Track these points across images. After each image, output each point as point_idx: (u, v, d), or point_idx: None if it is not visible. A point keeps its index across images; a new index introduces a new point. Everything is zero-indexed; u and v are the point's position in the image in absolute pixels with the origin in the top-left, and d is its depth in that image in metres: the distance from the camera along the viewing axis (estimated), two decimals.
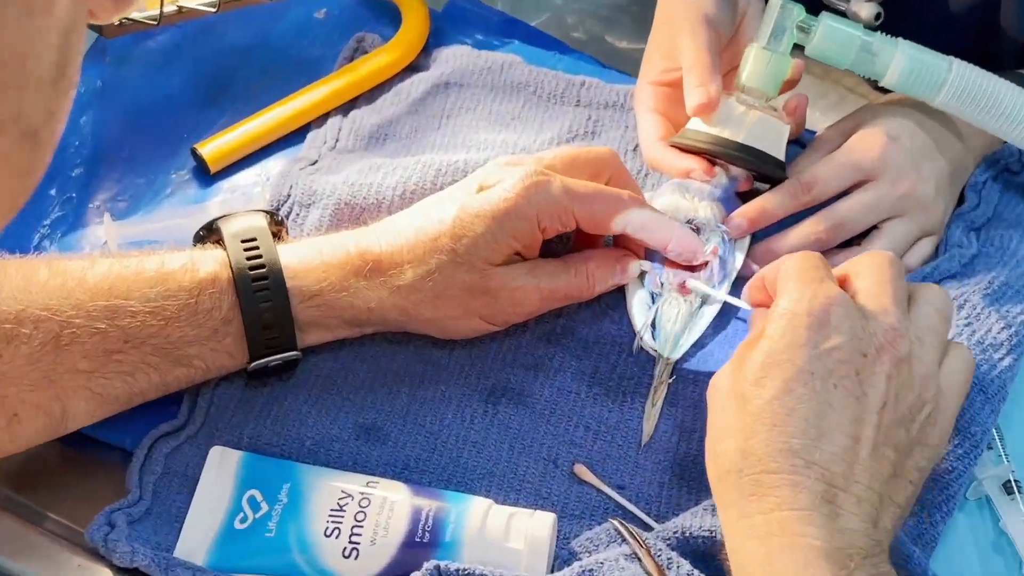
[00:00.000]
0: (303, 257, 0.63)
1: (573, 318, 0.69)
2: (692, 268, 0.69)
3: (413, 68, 0.85)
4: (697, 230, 0.70)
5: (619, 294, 0.70)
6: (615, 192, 0.65)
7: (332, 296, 0.62)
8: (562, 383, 0.67)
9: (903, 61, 0.67)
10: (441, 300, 0.63)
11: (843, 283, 0.57)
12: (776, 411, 0.52)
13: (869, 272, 0.57)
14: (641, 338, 0.68)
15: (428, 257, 0.62)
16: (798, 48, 0.70)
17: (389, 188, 0.73)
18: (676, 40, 0.72)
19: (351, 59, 0.84)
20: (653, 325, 0.68)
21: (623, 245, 0.69)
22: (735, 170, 0.72)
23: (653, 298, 0.69)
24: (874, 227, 0.70)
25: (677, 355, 0.68)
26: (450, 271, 0.62)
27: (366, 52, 0.84)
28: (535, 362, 0.68)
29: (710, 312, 0.69)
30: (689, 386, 0.67)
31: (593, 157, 0.67)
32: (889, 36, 0.68)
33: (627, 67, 0.85)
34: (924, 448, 0.54)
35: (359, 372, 0.67)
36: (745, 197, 0.72)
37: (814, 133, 0.77)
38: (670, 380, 0.67)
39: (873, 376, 0.53)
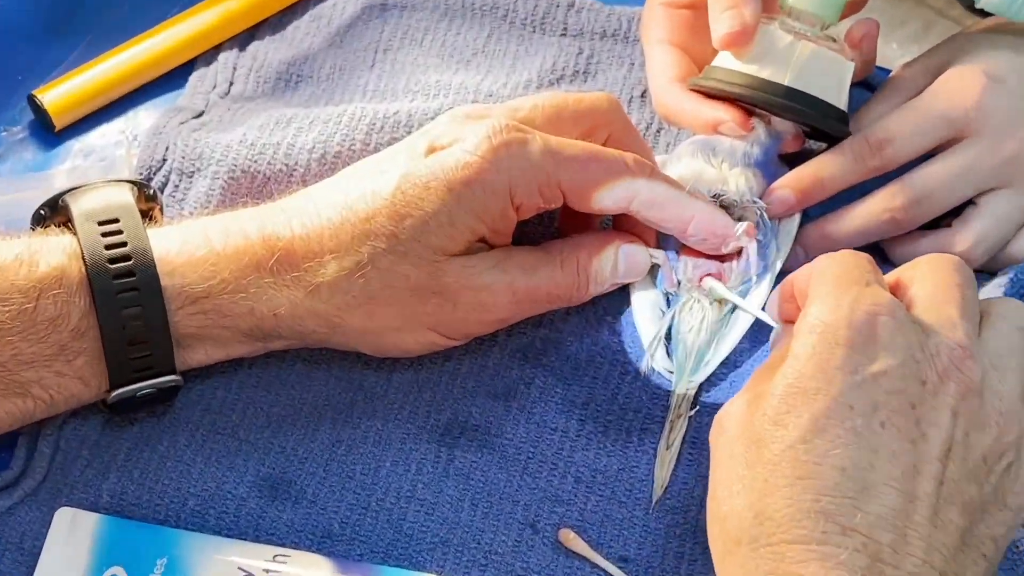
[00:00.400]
0: (185, 245, 0.62)
1: (558, 328, 0.70)
2: (720, 259, 0.70)
3: None
4: (726, 208, 0.70)
5: (622, 294, 0.70)
6: (615, 155, 0.65)
7: (225, 299, 0.62)
8: (543, 417, 0.67)
9: None
10: (377, 304, 0.63)
11: (895, 291, 0.57)
12: (802, 459, 0.52)
13: (929, 276, 0.57)
14: (652, 356, 0.68)
15: (358, 244, 0.62)
16: None
17: (304, 149, 0.73)
18: None
19: None
20: (668, 337, 0.68)
21: (627, 228, 0.69)
22: (779, 124, 0.73)
23: (668, 301, 0.70)
24: (969, 202, 0.71)
25: (701, 378, 0.68)
26: (389, 264, 0.62)
27: None
28: (506, 388, 0.68)
29: (745, 319, 0.69)
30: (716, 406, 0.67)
31: (586, 108, 0.67)
32: None
33: None
34: (1003, 511, 0.54)
35: (263, 404, 0.67)
36: (793, 162, 0.73)
37: (888, 73, 0.78)
38: (691, 413, 0.67)
39: (934, 412, 0.53)
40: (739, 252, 0.69)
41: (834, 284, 0.55)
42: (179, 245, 0.62)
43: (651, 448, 0.66)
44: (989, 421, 0.54)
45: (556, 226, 0.71)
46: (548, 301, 0.66)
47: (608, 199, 0.65)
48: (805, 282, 0.58)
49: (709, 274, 0.70)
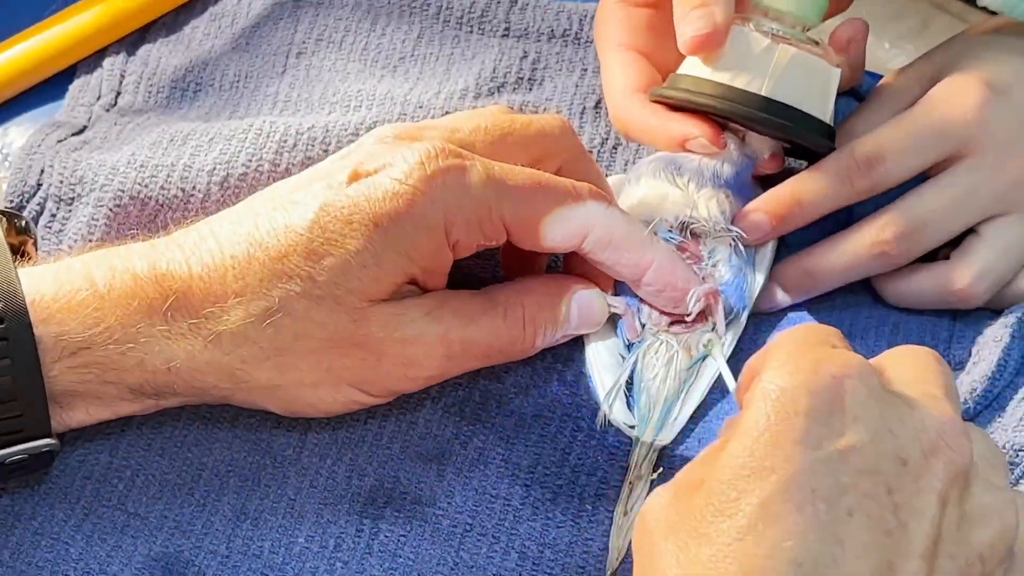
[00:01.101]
0: (62, 286, 0.62)
1: (500, 380, 0.70)
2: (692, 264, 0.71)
3: None
4: (696, 236, 0.71)
5: (575, 340, 0.71)
6: (567, 185, 0.66)
7: (110, 349, 0.62)
8: (482, 483, 0.67)
9: None
10: (289, 356, 0.63)
11: None
12: (750, 552, 0.49)
13: (907, 358, 0.56)
14: (610, 407, 0.68)
15: (268, 287, 0.62)
16: None
17: (203, 171, 0.73)
18: None
19: None
20: (629, 387, 0.69)
21: (580, 271, 0.70)
22: (755, 140, 0.73)
23: (629, 347, 0.70)
24: (970, 231, 0.72)
25: (668, 436, 0.68)
26: (304, 310, 0.62)
27: None
28: (439, 450, 0.68)
29: (715, 366, 0.70)
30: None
31: (535, 132, 0.67)
32: None
33: None
34: None
35: (155, 471, 0.67)
36: (770, 184, 0.73)
37: (879, 78, 0.79)
38: (654, 475, 0.67)
39: (917, 497, 0.51)
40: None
41: (793, 347, 0.54)
42: (56, 287, 0.62)
43: (607, 518, 0.66)
44: (989, 512, 0.52)
45: (499, 266, 0.72)
46: (487, 356, 0.67)
47: (558, 235, 0.65)
48: (761, 359, 0.56)
49: (680, 321, 0.70)
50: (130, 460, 0.67)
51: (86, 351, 0.62)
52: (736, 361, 0.69)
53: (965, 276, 0.71)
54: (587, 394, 0.70)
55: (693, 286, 0.69)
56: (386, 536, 0.66)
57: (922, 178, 0.72)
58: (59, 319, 0.61)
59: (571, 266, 0.70)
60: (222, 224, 0.64)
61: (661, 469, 0.67)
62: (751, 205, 0.72)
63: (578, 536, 0.66)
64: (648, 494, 0.65)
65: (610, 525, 0.66)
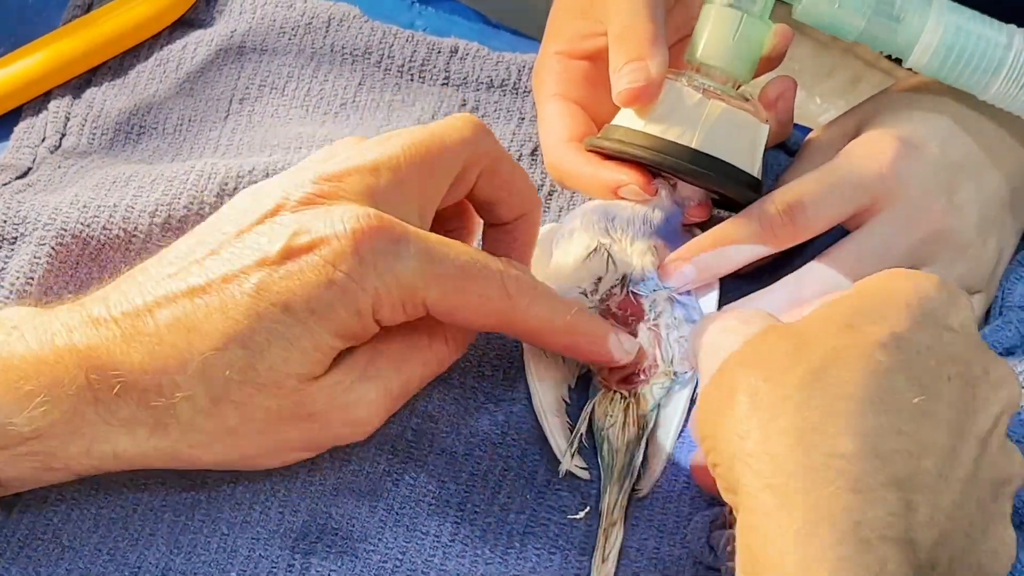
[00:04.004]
0: (8, 375, 0.60)
1: (432, 417, 0.71)
2: (634, 321, 0.72)
3: (187, 23, 0.87)
4: (635, 296, 0.72)
5: (504, 379, 0.73)
6: (495, 277, 0.65)
7: (56, 441, 0.61)
8: (414, 520, 0.68)
9: (939, 31, 0.71)
10: (236, 438, 0.63)
11: None
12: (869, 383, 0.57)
13: None
14: (572, 454, 0.70)
15: (210, 377, 0.61)
16: (783, 5, 0.73)
17: (144, 212, 0.75)
18: None
19: (88, 7, 0.86)
20: (588, 430, 0.71)
21: (502, 252, 0.71)
22: (685, 189, 0.75)
23: (571, 388, 0.72)
24: None
25: (647, 486, 0.70)
26: (247, 397, 0.62)
27: None
28: (371, 487, 0.69)
29: (680, 400, 0.72)
30: (658, 509, 0.69)
31: (455, 145, 0.67)
32: None
33: (527, 25, 0.89)
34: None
35: (89, 505, 0.67)
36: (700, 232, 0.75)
37: (808, 132, 0.81)
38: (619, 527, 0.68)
39: (987, 402, 0.59)
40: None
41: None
42: (3, 375, 0.60)
43: (535, 555, 0.68)
44: (1010, 452, 0.60)
45: None
46: (423, 384, 0.68)
47: (476, 324, 0.67)
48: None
49: (629, 376, 0.72)
50: (65, 493, 0.67)
51: (33, 441, 0.61)
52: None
53: None
54: (517, 433, 0.71)
55: (620, 336, 0.70)
56: (317, 571, 0.66)
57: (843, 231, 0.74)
58: (7, 410, 0.60)
59: (493, 247, 0.72)
60: (157, 303, 0.62)
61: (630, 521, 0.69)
62: (675, 253, 0.73)
63: (506, 573, 0.67)
64: (623, 538, 0.68)
65: (536, 563, 0.67)
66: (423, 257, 0.63)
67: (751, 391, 0.58)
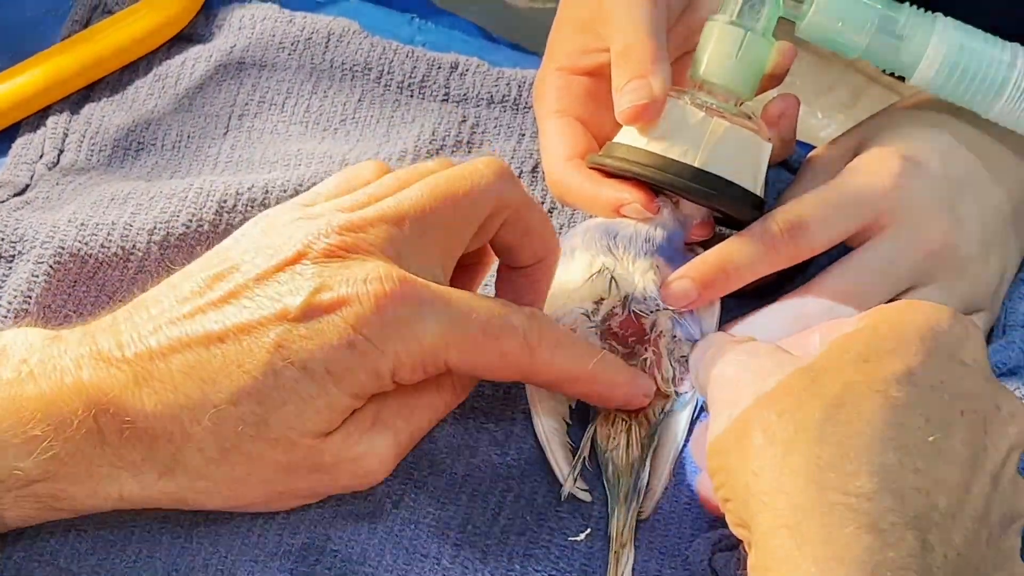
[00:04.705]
0: (20, 416, 0.59)
1: (432, 439, 0.71)
2: (635, 342, 0.72)
3: (186, 38, 0.87)
4: (637, 316, 0.72)
5: (504, 400, 0.73)
6: (515, 330, 0.65)
7: (63, 483, 0.60)
8: (413, 542, 0.68)
9: (942, 49, 0.71)
10: (243, 487, 0.63)
11: None
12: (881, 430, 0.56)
13: None
14: (575, 477, 0.70)
15: (222, 430, 0.61)
16: (785, 22, 0.73)
17: (143, 230, 0.75)
18: (602, 5, 0.75)
19: (86, 23, 0.86)
20: (591, 452, 0.71)
21: (511, 296, 0.70)
22: (687, 207, 0.75)
23: (572, 409, 0.72)
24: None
25: (650, 507, 0.69)
26: (258, 451, 0.62)
27: (110, 12, 0.86)
28: (371, 508, 0.69)
29: (681, 420, 0.72)
30: (659, 531, 0.69)
31: (479, 194, 0.66)
32: (924, 11, 0.72)
33: (528, 40, 0.89)
34: None
35: (87, 526, 0.67)
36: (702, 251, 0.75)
37: (810, 148, 0.81)
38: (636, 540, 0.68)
39: (999, 438, 0.59)
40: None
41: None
42: (13, 417, 0.60)
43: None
44: (1020, 488, 0.60)
45: None
46: (431, 427, 0.67)
47: (497, 377, 0.67)
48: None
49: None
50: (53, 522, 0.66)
51: (39, 484, 0.61)
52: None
53: None
54: (517, 454, 0.71)
55: (638, 382, 0.70)
56: None
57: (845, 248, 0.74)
58: (14, 453, 0.60)
59: (507, 286, 0.71)
60: (172, 347, 0.61)
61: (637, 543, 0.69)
62: (677, 272, 0.73)
63: None
64: (633, 560, 0.68)
65: None
66: (445, 320, 0.62)
67: (765, 426, 0.58)
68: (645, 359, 0.72)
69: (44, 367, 0.61)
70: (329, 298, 0.61)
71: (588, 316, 0.72)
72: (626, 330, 0.72)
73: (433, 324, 0.62)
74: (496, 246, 0.70)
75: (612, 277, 0.72)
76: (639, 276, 0.73)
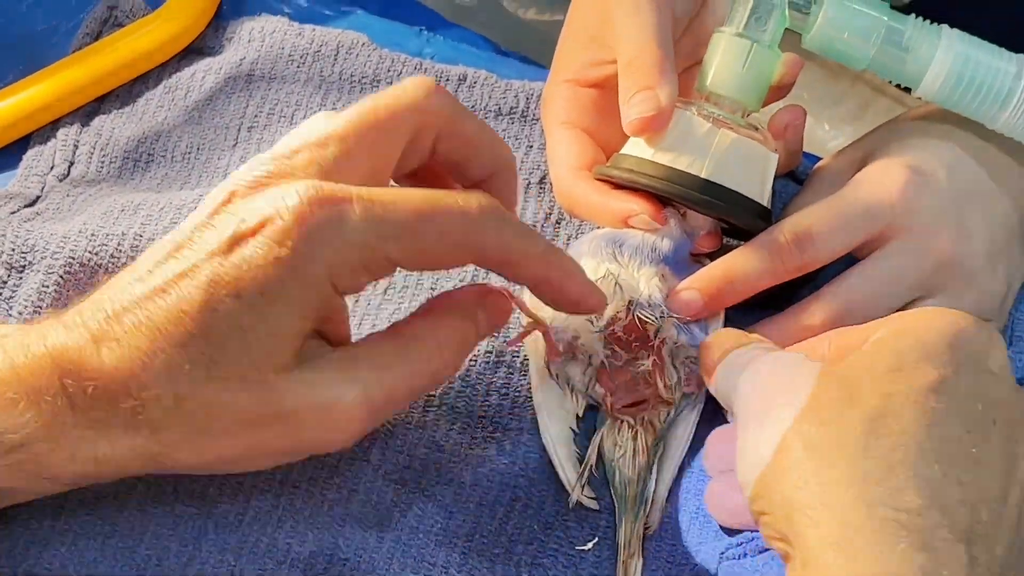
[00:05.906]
0: None
1: (439, 447, 0.72)
2: (645, 383, 0.72)
3: (196, 51, 0.88)
4: (642, 323, 0.72)
5: (512, 407, 0.73)
6: (455, 207, 0.63)
7: (41, 450, 0.61)
8: (421, 551, 0.68)
9: (947, 61, 0.72)
10: (207, 439, 0.62)
11: None
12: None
13: None
14: (582, 486, 0.70)
15: (175, 375, 0.61)
16: (792, 34, 0.74)
17: (153, 241, 0.74)
18: (609, 17, 0.76)
19: (97, 35, 0.87)
20: (582, 459, 0.71)
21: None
22: (694, 219, 0.76)
23: (580, 418, 0.72)
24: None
25: (656, 516, 0.70)
26: (213, 394, 0.61)
27: (121, 25, 0.87)
28: (379, 517, 0.69)
29: (685, 427, 0.72)
30: (667, 540, 0.69)
31: (404, 110, 0.64)
32: (930, 23, 0.73)
33: (536, 52, 0.90)
34: None
35: (95, 533, 0.68)
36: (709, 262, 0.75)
37: (817, 160, 0.81)
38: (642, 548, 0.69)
39: None
40: (660, 369, 0.72)
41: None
42: None
43: None
44: None
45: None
46: (411, 396, 0.66)
47: (447, 262, 0.65)
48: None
49: (635, 404, 0.72)
50: (72, 523, 0.68)
51: (21, 449, 0.61)
52: (697, 440, 0.72)
53: None
54: (524, 463, 0.71)
55: (584, 278, 0.67)
56: None
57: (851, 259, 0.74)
58: None
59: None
60: (125, 308, 0.62)
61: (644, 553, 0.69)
62: (683, 283, 0.73)
63: None
64: (642, 568, 0.68)
65: None
66: (372, 213, 0.61)
67: (805, 437, 0.58)
68: (647, 365, 0.72)
69: (14, 341, 0.62)
70: (252, 223, 0.60)
71: (591, 321, 0.72)
72: (630, 335, 0.72)
73: (359, 221, 0.60)
74: (445, 167, 0.69)
75: (617, 282, 0.73)
76: (644, 282, 0.73)
